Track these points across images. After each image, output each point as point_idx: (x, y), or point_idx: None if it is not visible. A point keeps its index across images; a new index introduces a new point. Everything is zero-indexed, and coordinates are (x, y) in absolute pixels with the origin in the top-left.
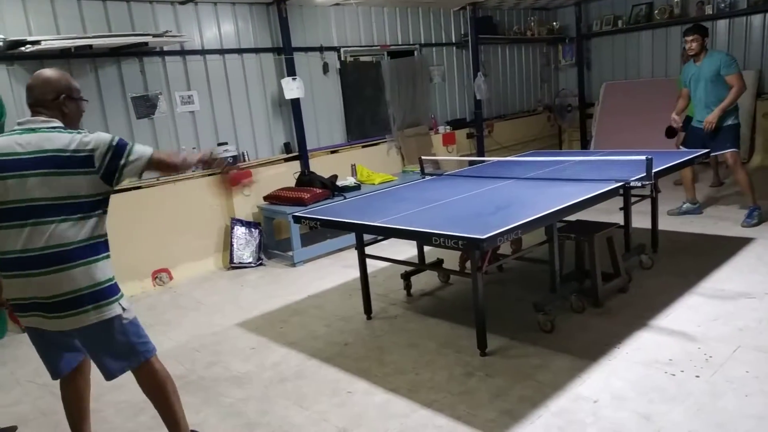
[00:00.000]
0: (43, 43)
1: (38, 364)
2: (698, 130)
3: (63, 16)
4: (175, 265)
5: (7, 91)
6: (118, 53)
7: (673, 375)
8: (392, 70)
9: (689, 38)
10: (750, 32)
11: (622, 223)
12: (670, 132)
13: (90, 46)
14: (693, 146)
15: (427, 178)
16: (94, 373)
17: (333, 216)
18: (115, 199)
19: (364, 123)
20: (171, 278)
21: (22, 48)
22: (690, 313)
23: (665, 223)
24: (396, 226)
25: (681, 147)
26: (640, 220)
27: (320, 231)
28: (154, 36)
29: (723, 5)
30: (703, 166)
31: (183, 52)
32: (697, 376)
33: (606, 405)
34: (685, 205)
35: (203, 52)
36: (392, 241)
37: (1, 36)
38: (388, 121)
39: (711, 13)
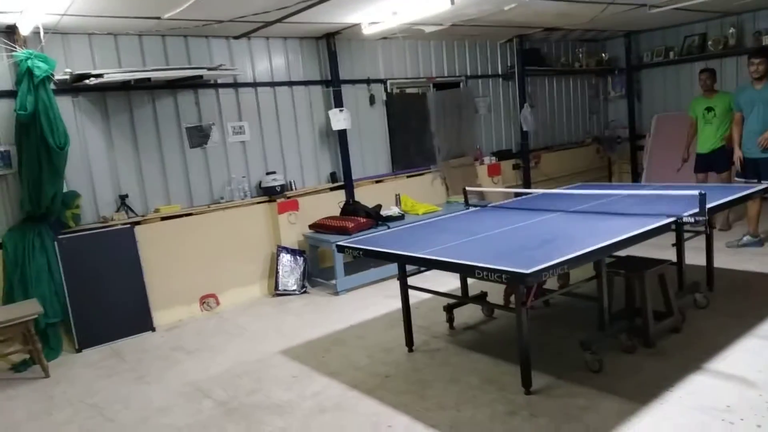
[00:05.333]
0: (105, 76)
1: (90, 384)
2: (749, 160)
3: (125, 50)
4: (222, 291)
5: (71, 120)
6: (174, 85)
7: (732, 423)
8: (438, 102)
9: (756, 60)
10: None
11: (675, 259)
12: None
13: (149, 79)
14: (748, 175)
15: (472, 209)
16: (134, 396)
17: (376, 246)
18: (165, 225)
19: (409, 153)
20: (218, 303)
21: (87, 81)
22: (749, 356)
23: (721, 261)
24: (439, 257)
25: (736, 179)
26: (694, 256)
27: (364, 260)
28: (209, 69)
29: None
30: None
31: (236, 85)
32: (759, 426)
33: None
34: (745, 238)
35: (255, 84)
36: (435, 271)
37: (69, 70)
38: (433, 151)
39: None
